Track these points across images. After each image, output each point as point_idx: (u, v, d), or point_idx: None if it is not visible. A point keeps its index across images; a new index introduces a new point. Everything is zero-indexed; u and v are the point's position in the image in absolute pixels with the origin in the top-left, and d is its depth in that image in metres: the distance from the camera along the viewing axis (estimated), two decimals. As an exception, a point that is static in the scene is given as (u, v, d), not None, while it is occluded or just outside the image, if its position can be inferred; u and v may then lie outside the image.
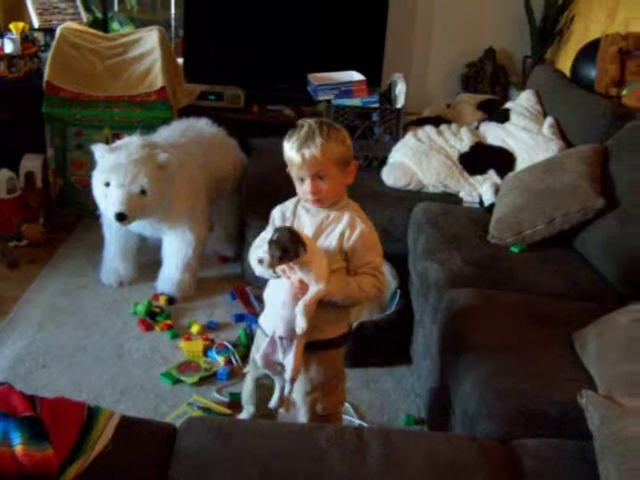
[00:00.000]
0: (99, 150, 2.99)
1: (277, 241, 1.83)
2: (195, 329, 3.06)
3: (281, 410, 2.08)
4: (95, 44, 4.09)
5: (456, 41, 4.92)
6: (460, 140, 3.47)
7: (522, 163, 3.28)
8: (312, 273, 1.87)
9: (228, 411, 2.57)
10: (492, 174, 3.32)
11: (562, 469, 1.68)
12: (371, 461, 1.65)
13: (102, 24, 4.71)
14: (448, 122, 3.72)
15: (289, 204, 2.08)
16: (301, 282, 1.89)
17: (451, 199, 3.31)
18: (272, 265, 1.88)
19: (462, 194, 3.32)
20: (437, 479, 1.62)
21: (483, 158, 3.39)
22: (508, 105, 3.70)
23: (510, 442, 1.79)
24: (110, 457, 1.61)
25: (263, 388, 2.24)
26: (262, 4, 4.52)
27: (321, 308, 1.93)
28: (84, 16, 4.46)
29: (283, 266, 1.89)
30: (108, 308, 3.21)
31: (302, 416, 2.17)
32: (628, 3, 3.94)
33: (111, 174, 2.93)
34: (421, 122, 3.77)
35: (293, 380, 2.01)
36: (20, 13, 4.36)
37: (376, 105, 3.72)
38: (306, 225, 2.00)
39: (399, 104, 3.68)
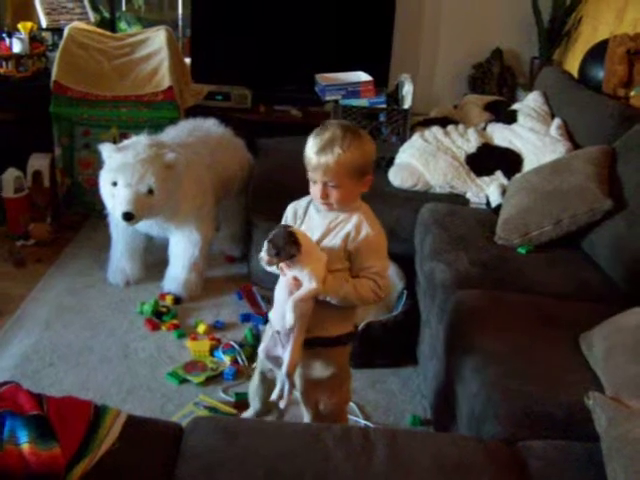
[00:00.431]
0: (106, 149, 2.99)
1: (272, 240, 1.89)
2: (201, 329, 3.06)
3: (281, 404, 2.09)
4: (103, 44, 4.10)
5: (463, 42, 4.92)
6: (467, 141, 3.47)
7: (529, 164, 3.27)
8: (306, 272, 1.90)
9: (234, 411, 2.57)
10: (499, 175, 3.31)
11: (568, 471, 1.68)
12: (377, 461, 1.65)
13: (110, 24, 4.73)
14: (455, 123, 3.71)
15: (302, 202, 2.09)
16: (295, 279, 1.92)
17: (458, 200, 3.30)
18: (270, 263, 1.93)
19: (469, 195, 3.32)
20: (443, 480, 1.62)
21: (490, 159, 3.38)
22: (515, 106, 3.69)
23: (516, 444, 1.78)
24: (117, 456, 1.61)
25: (268, 382, 2.25)
26: (269, 4, 4.53)
27: (323, 306, 1.95)
28: (92, 16, 4.47)
29: (281, 264, 1.92)
30: (115, 307, 3.22)
31: (306, 415, 2.18)
32: (637, 4, 3.93)
33: (118, 173, 2.93)
34: (428, 123, 3.76)
35: (289, 375, 2.01)
36: (28, 13, 4.37)
37: (383, 106, 3.72)
38: (315, 224, 2.01)
39: (406, 105, 3.69)
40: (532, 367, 2.04)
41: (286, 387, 2.05)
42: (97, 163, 3.20)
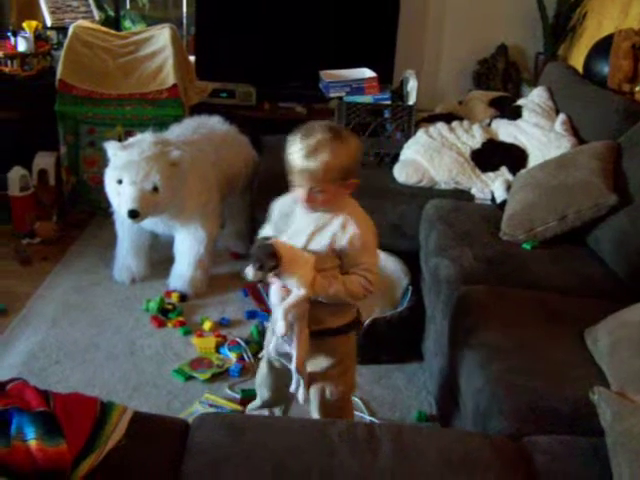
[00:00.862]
0: (111, 147, 3.00)
1: (254, 255, 1.94)
2: (207, 326, 3.07)
3: (300, 399, 2.10)
4: (107, 42, 4.10)
5: (468, 38, 4.91)
6: (472, 137, 3.46)
7: (534, 160, 3.27)
8: (293, 280, 1.92)
9: (240, 408, 2.58)
10: (504, 171, 3.31)
11: (574, 466, 1.68)
12: (383, 457, 1.65)
13: (114, 22, 4.73)
14: (460, 119, 3.71)
15: (288, 200, 2.08)
16: (284, 287, 1.95)
17: (463, 196, 3.30)
18: (255, 277, 1.95)
19: (474, 191, 3.32)
20: (449, 475, 1.62)
21: (495, 155, 3.38)
22: (520, 102, 3.68)
23: (521, 439, 1.79)
24: (123, 452, 1.61)
25: (276, 370, 2.25)
26: (273, 2, 4.52)
27: (318, 302, 1.97)
28: (96, 14, 4.47)
29: (269, 276, 1.95)
30: (121, 305, 3.23)
31: (313, 403, 2.18)
32: (642, -2, 3.92)
33: (123, 171, 2.94)
34: (433, 119, 3.76)
35: (298, 371, 2.03)
36: (33, 12, 4.37)
37: (388, 102, 3.71)
38: (302, 225, 2.00)
39: (411, 101, 3.68)
40: (537, 362, 2.04)
41: (301, 381, 2.06)
42: (102, 161, 3.21)
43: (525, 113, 3.51)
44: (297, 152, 1.89)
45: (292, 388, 2.10)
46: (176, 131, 3.39)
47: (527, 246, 2.76)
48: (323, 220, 1.98)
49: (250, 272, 1.93)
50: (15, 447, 1.50)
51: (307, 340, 2.01)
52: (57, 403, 1.63)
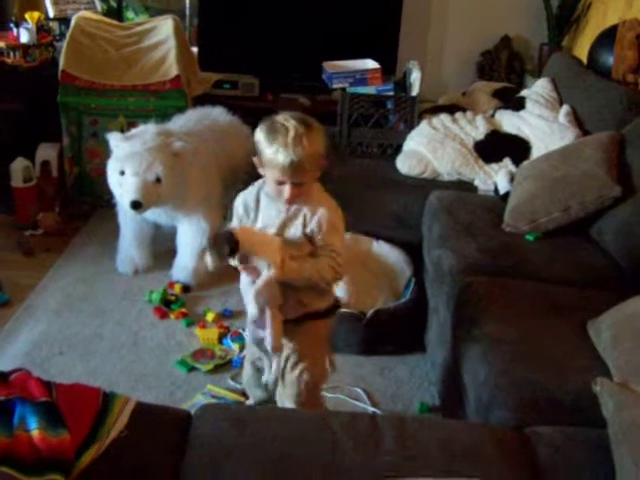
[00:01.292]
0: (114, 138, 2.99)
1: (209, 242, 1.90)
2: (210, 317, 3.07)
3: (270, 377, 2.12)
4: (110, 33, 4.09)
5: (471, 29, 4.88)
6: (475, 128, 3.45)
7: (538, 151, 3.26)
8: (263, 261, 1.89)
9: (242, 399, 2.58)
10: (507, 162, 3.30)
11: (576, 457, 1.68)
12: (385, 448, 1.66)
13: (117, 13, 4.71)
14: (463, 110, 3.70)
15: (251, 193, 2.07)
16: (253, 269, 1.92)
17: (466, 187, 3.29)
18: (213, 264, 1.90)
19: (477, 182, 3.31)
20: (452, 466, 1.62)
21: (498, 146, 3.37)
22: (524, 93, 3.67)
23: (524, 430, 1.79)
24: (125, 443, 1.62)
25: (261, 371, 2.25)
26: (276, -8, 4.51)
27: (294, 288, 1.96)
28: (99, 5, 4.46)
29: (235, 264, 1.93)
30: (123, 296, 3.23)
31: (288, 390, 2.16)
32: (646, -11, 3.90)
33: (126, 162, 2.94)
34: (436, 110, 3.75)
35: (274, 350, 2.01)
36: (35, 2, 4.36)
37: (391, 93, 3.70)
38: (272, 214, 1.99)
39: (414, 92, 3.67)
40: (540, 354, 2.04)
41: (274, 367, 2.08)
42: (105, 152, 3.20)
43: (529, 104, 3.50)
44: (277, 149, 1.86)
45: (269, 377, 2.10)
46: (179, 122, 3.39)
47: (530, 237, 2.75)
48: (293, 209, 1.96)
49: (208, 259, 1.89)
50: (18, 437, 1.51)
51: (281, 322, 1.98)
52: (60, 394, 1.64)
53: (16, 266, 3.43)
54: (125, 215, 3.30)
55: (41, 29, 4.06)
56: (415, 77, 3.67)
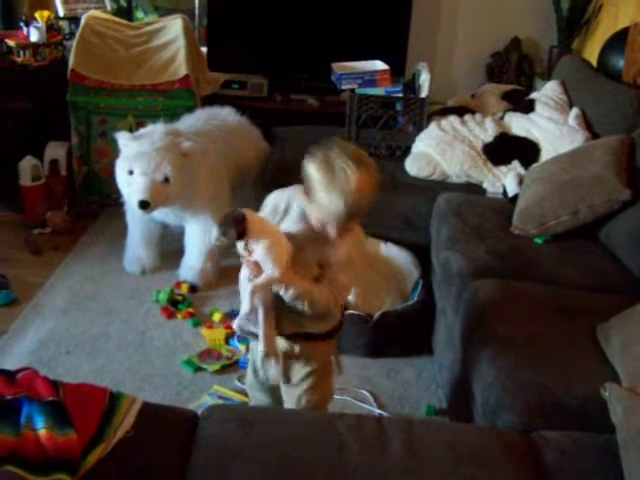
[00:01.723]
0: (123, 138, 3.00)
1: (220, 220, 1.83)
2: (217, 317, 3.07)
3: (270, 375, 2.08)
4: (119, 32, 4.10)
5: (481, 30, 4.87)
6: (484, 130, 3.44)
7: (547, 154, 3.24)
8: (269, 258, 1.81)
9: (248, 399, 2.57)
10: (516, 165, 3.29)
11: (584, 462, 1.67)
12: (392, 451, 1.65)
13: (126, 12, 4.73)
14: (472, 112, 3.69)
15: (283, 196, 1.98)
16: (256, 266, 1.84)
17: (475, 189, 3.29)
18: (219, 242, 1.84)
19: (486, 184, 3.30)
20: (458, 469, 1.62)
21: (507, 148, 3.36)
22: (533, 95, 3.66)
23: (531, 434, 1.78)
24: (132, 443, 1.62)
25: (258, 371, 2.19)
26: (286, -7, 4.51)
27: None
28: (108, 4, 4.48)
29: (241, 248, 1.86)
30: (131, 296, 3.23)
31: (290, 403, 2.10)
32: (658, -8, 3.88)
33: (134, 162, 2.94)
34: (445, 112, 3.74)
35: (265, 355, 1.94)
36: (45, 2, 4.38)
37: (400, 95, 3.69)
38: (298, 227, 1.90)
39: (423, 94, 3.66)
40: (548, 358, 2.03)
41: (273, 362, 2.01)
42: (113, 152, 3.21)
43: (538, 107, 3.48)
44: (335, 198, 1.73)
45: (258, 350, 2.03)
46: (187, 122, 3.39)
47: (539, 240, 2.74)
48: (320, 235, 1.86)
49: (213, 235, 1.83)
50: (25, 436, 1.51)
51: (272, 327, 1.91)
52: (67, 393, 1.64)
53: (24, 264, 3.44)
54: (133, 214, 3.30)
55: (51, 28, 4.07)
56: (424, 78, 3.66)
